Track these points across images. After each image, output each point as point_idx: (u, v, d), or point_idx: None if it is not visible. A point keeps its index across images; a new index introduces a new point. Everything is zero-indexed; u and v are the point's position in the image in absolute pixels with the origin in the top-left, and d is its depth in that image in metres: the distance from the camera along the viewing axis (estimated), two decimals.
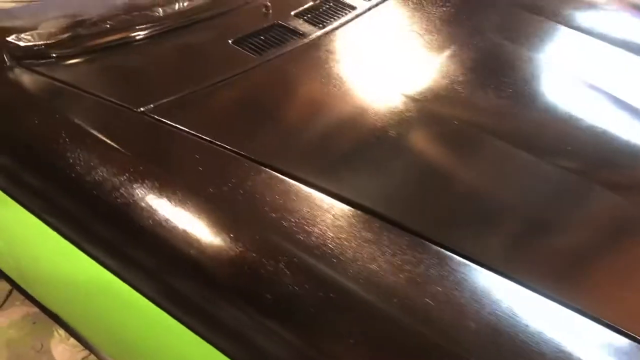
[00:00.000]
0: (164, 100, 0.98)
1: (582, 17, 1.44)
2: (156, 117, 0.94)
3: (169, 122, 0.94)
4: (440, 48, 1.23)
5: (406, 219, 0.81)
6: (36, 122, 0.94)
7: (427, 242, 0.78)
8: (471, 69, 1.16)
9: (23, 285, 1.18)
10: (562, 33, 1.36)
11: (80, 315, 1.06)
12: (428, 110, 1.05)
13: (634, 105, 1.15)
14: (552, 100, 1.14)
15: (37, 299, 1.17)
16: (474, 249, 0.79)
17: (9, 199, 0.96)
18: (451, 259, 0.77)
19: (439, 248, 0.78)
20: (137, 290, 0.81)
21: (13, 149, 0.95)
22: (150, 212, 0.80)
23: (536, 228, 0.87)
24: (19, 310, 1.73)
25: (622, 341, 0.70)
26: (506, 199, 0.91)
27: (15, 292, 1.68)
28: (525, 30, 1.34)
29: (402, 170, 0.94)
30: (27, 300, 1.23)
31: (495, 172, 0.96)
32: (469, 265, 0.76)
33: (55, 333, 1.64)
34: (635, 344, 0.70)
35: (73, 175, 0.86)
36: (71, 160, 0.87)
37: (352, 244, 0.76)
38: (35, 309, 1.23)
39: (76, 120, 0.93)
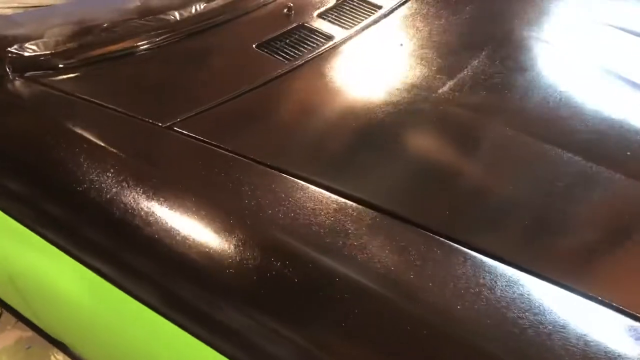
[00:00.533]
0: (191, 114, 0.90)
1: None
2: (185, 132, 0.86)
3: (199, 137, 0.86)
4: (462, 45, 1.18)
5: (414, 214, 0.79)
6: (50, 140, 0.86)
7: (435, 236, 0.76)
8: (482, 63, 1.12)
9: (16, 306, 1.12)
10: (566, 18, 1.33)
11: (83, 336, 0.99)
12: (447, 105, 1.01)
13: None
14: (561, 86, 1.09)
15: (33, 320, 1.10)
16: (479, 239, 0.77)
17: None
18: (459, 250, 0.74)
19: (449, 242, 0.75)
20: (143, 302, 0.77)
21: (29, 172, 0.87)
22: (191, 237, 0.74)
23: (549, 217, 0.84)
24: (11, 334, 1.60)
25: (618, 317, 0.70)
26: (513, 189, 0.88)
27: (5, 315, 1.57)
28: (537, 19, 1.30)
29: (416, 166, 0.91)
30: (19, 323, 1.14)
31: (504, 161, 0.93)
32: (474, 255, 0.74)
33: (53, 358, 1.55)
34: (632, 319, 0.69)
35: (93, 197, 0.79)
36: (91, 183, 0.80)
37: (354, 236, 0.73)
38: (30, 333, 1.16)
39: (95, 138, 0.85)
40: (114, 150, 0.83)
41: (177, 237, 0.73)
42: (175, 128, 0.88)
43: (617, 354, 0.65)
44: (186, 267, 0.73)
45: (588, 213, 0.85)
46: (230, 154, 0.84)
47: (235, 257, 0.70)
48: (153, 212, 0.76)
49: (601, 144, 0.96)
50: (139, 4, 1.05)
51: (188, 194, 0.77)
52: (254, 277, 0.70)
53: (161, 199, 0.77)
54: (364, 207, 0.78)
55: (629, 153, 0.94)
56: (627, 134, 0.98)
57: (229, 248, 0.71)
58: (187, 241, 0.73)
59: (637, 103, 1.08)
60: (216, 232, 0.73)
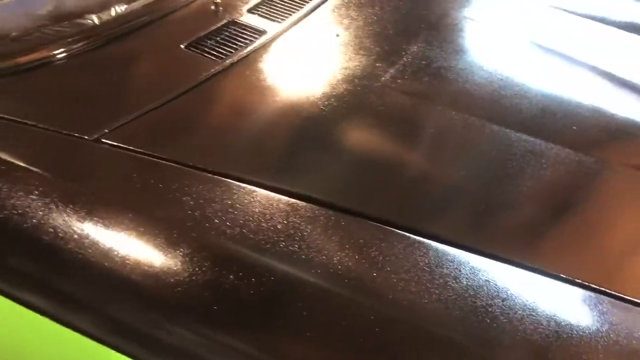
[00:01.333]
0: (121, 123, 0.83)
1: None
2: (115, 143, 0.80)
3: (131, 147, 0.80)
4: (398, 31, 1.16)
5: (362, 205, 0.76)
6: None
7: (393, 229, 0.73)
8: (421, 48, 1.10)
9: None
10: None
11: None
12: (391, 94, 0.99)
13: (588, 62, 1.14)
14: (502, 66, 1.10)
15: None
16: (438, 227, 0.75)
17: None
18: (420, 242, 0.72)
19: (408, 234, 0.72)
20: (84, 333, 0.69)
21: None
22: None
23: (503, 198, 0.83)
24: None
25: (583, 293, 0.70)
26: (465, 172, 0.87)
27: None
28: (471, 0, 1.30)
29: (358, 158, 0.88)
30: None
31: (453, 145, 0.92)
32: (435, 245, 0.72)
33: None
34: (596, 293, 0.70)
35: (16, 223, 0.71)
36: (13, 209, 0.72)
37: (310, 238, 0.69)
38: None
39: (14, 159, 0.77)
40: (37, 171, 0.75)
41: (116, 259, 0.66)
42: (103, 140, 0.80)
43: (587, 329, 0.64)
44: (129, 290, 0.66)
45: (542, 190, 0.84)
46: (167, 163, 0.78)
47: (183, 273, 0.65)
48: (87, 235, 0.69)
49: (547, 120, 0.96)
50: (51, 8, 0.97)
51: (124, 211, 0.71)
52: (205, 294, 0.64)
53: (95, 218, 0.70)
54: (317, 207, 0.74)
55: (575, 127, 0.95)
56: (571, 108, 0.99)
57: (175, 265, 0.65)
58: (128, 262, 0.66)
59: (577, 78, 1.09)
60: (159, 248, 0.67)
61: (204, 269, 0.65)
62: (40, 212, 0.70)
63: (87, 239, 0.68)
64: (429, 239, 0.72)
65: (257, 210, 0.72)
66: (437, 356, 0.61)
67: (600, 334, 0.64)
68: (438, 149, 0.92)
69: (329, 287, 0.65)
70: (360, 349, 0.61)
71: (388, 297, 0.64)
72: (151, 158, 0.79)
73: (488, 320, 0.62)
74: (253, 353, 0.62)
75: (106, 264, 0.66)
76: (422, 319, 0.63)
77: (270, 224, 0.70)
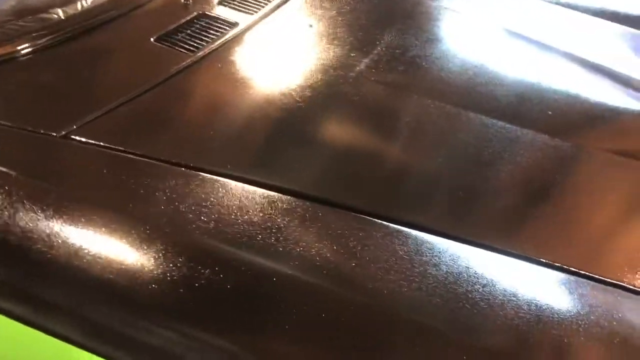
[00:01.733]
0: (89, 119, 0.81)
1: None
2: (84, 139, 0.77)
3: (100, 143, 0.78)
4: (372, 21, 1.15)
5: (339, 196, 0.75)
6: None
7: (371, 218, 0.72)
8: (395, 37, 1.10)
9: None
10: None
11: None
12: (366, 84, 0.98)
13: (562, 49, 1.15)
14: (476, 53, 1.10)
15: None
16: (416, 215, 0.75)
17: None
18: (398, 230, 0.71)
19: (387, 223, 0.71)
20: (58, 336, 0.67)
21: None
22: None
23: (481, 184, 0.83)
24: None
25: (563, 276, 0.70)
26: (442, 160, 0.86)
27: None
28: None
29: (334, 149, 0.87)
30: None
31: (430, 133, 0.92)
32: (414, 233, 0.71)
33: None
34: (576, 277, 0.70)
35: None
36: None
37: (287, 230, 0.68)
38: None
39: None
40: (2, 169, 0.72)
41: (87, 258, 0.64)
42: (72, 136, 0.78)
43: (567, 312, 0.64)
44: (102, 290, 0.64)
45: (519, 176, 0.84)
46: (138, 158, 0.76)
47: (157, 270, 0.63)
48: (57, 234, 0.66)
49: (522, 106, 0.96)
50: (14, 3, 0.93)
51: (95, 208, 0.68)
52: (181, 290, 0.62)
53: (64, 217, 0.67)
54: (293, 198, 0.73)
55: (550, 112, 0.95)
56: (546, 94, 0.99)
57: (149, 261, 0.63)
58: (100, 260, 0.64)
59: (552, 64, 1.10)
60: (131, 245, 0.65)
61: (178, 264, 0.63)
62: (7, 212, 0.68)
63: (57, 238, 0.66)
64: (407, 227, 0.71)
65: (232, 203, 0.71)
66: (418, 344, 0.60)
67: (581, 317, 0.63)
68: (414, 137, 0.91)
69: (307, 279, 0.64)
70: (340, 341, 0.60)
71: (367, 287, 0.63)
72: (122, 153, 0.76)
73: (469, 307, 0.62)
74: (230, 348, 0.61)
75: (76, 263, 0.64)
76: (402, 307, 0.62)
77: (246, 217, 0.69)
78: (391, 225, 0.71)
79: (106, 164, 0.75)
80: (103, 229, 0.66)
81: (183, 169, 0.75)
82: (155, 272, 0.63)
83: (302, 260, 0.65)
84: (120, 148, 0.77)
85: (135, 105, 0.85)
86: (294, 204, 0.72)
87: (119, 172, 0.74)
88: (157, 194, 0.70)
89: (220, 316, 0.62)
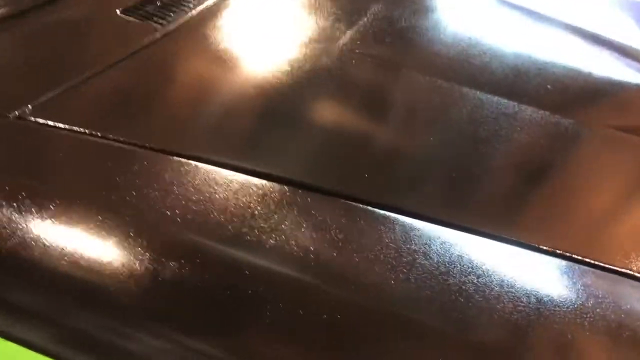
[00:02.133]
0: (46, 98, 0.74)
1: None
2: (40, 120, 0.71)
3: (58, 124, 0.71)
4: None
5: (320, 179, 0.71)
6: None
7: (355, 203, 0.67)
8: (382, 8, 1.05)
9: None
10: None
11: None
12: (350, 57, 0.92)
13: (560, 19, 1.11)
14: (470, 24, 1.06)
15: None
16: (405, 199, 0.70)
17: None
18: (385, 216, 0.66)
19: (372, 208, 0.67)
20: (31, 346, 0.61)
21: None
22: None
23: (476, 165, 0.79)
24: None
25: (565, 264, 0.66)
26: (435, 140, 0.82)
27: None
28: None
29: (316, 128, 0.83)
30: None
31: (421, 111, 0.88)
32: (402, 219, 0.66)
33: None
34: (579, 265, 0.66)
35: None
36: None
37: (262, 218, 0.63)
38: None
39: None
40: None
41: (41, 250, 0.58)
42: (27, 118, 0.71)
43: (570, 304, 0.60)
44: (57, 285, 0.58)
45: (517, 155, 0.80)
46: (102, 140, 0.70)
47: (115, 264, 0.57)
48: (7, 223, 0.60)
49: (520, 80, 0.91)
50: None
51: (49, 195, 0.62)
52: (146, 288, 0.57)
53: (15, 204, 0.61)
54: (270, 182, 0.67)
55: (549, 87, 0.89)
56: (544, 67, 0.95)
57: (110, 255, 0.58)
58: (57, 253, 0.58)
59: (549, 36, 1.04)
60: (94, 235, 0.59)
61: (142, 258, 0.57)
62: None
63: (6, 229, 0.59)
64: (395, 212, 0.66)
65: (203, 189, 0.65)
66: (407, 341, 0.56)
67: (586, 309, 0.59)
68: (404, 115, 0.86)
69: (285, 272, 0.59)
70: (321, 338, 0.56)
71: (350, 280, 0.58)
72: (82, 135, 0.70)
73: (462, 300, 0.58)
74: (200, 348, 0.56)
75: (28, 255, 0.58)
76: (388, 301, 0.58)
77: (218, 204, 0.63)
78: (377, 210, 0.66)
79: (64, 146, 0.69)
80: (58, 218, 0.60)
81: (149, 151, 0.69)
82: (113, 266, 0.57)
83: (278, 251, 0.59)
84: (79, 129, 0.70)
85: (99, 82, 0.79)
86: (270, 189, 0.66)
87: (77, 156, 0.68)
88: (118, 179, 0.64)
89: (190, 317, 0.57)
